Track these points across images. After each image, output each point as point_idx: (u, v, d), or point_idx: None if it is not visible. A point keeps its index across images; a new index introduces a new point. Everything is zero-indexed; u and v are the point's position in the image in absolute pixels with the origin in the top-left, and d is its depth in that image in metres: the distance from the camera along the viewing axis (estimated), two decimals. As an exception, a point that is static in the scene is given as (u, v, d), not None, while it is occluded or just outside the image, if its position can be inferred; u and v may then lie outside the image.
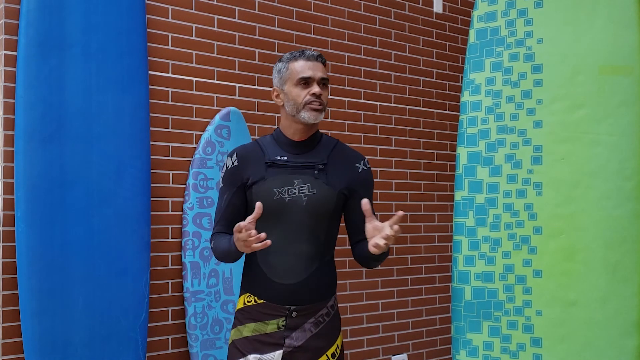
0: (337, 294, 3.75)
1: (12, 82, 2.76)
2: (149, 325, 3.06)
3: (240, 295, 2.28)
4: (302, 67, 2.17)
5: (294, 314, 2.18)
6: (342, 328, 3.77)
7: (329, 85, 2.32)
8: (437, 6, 4.35)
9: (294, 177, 2.17)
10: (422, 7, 4.28)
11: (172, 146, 3.20)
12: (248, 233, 1.92)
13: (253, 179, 2.17)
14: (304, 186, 2.16)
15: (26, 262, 2.67)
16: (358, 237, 2.27)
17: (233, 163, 2.22)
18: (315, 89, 2.15)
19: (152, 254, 3.05)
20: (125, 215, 2.90)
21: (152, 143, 3.11)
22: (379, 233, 1.98)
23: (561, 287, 2.52)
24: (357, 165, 2.27)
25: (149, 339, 3.06)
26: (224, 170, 2.24)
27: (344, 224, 2.33)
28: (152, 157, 3.10)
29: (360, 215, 2.14)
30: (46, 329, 2.68)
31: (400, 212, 1.92)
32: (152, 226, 3.05)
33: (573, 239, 2.51)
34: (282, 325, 2.18)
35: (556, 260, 2.53)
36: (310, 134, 2.23)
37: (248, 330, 2.21)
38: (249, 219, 1.96)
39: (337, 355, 2.25)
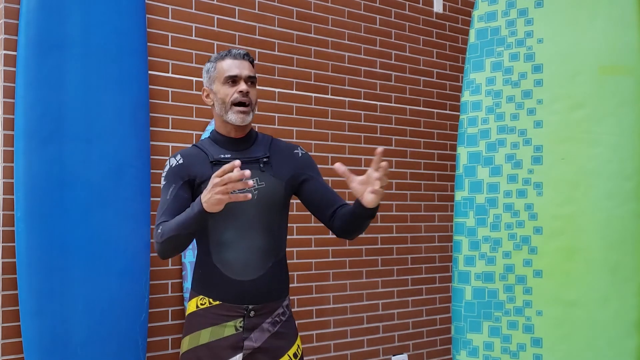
0: (337, 294, 3.76)
1: (12, 82, 2.76)
2: (149, 325, 3.06)
3: (191, 298, 2.22)
4: (229, 66, 2.18)
5: (252, 313, 2.16)
6: (342, 328, 3.77)
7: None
8: (437, 6, 4.35)
9: None
10: (422, 7, 4.28)
11: (172, 146, 3.20)
12: (232, 164, 1.82)
13: (200, 178, 2.15)
14: (253, 180, 2.16)
15: (26, 262, 2.66)
16: (330, 210, 2.23)
17: (178, 161, 2.18)
18: (242, 86, 2.16)
19: (152, 254, 3.05)
20: (125, 215, 2.90)
21: (152, 143, 3.11)
22: (367, 185, 1.94)
23: (561, 287, 2.52)
24: (295, 152, 2.30)
25: (149, 339, 3.06)
26: (166, 170, 2.19)
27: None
28: (152, 157, 3.09)
29: (321, 190, 2.22)
30: (46, 329, 2.68)
31: (380, 148, 1.89)
32: (152, 226, 3.05)
33: (573, 239, 2.51)
34: (240, 327, 2.15)
35: (556, 260, 2.53)
36: (246, 131, 2.24)
37: (205, 336, 2.16)
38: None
39: (298, 356, 2.23)
